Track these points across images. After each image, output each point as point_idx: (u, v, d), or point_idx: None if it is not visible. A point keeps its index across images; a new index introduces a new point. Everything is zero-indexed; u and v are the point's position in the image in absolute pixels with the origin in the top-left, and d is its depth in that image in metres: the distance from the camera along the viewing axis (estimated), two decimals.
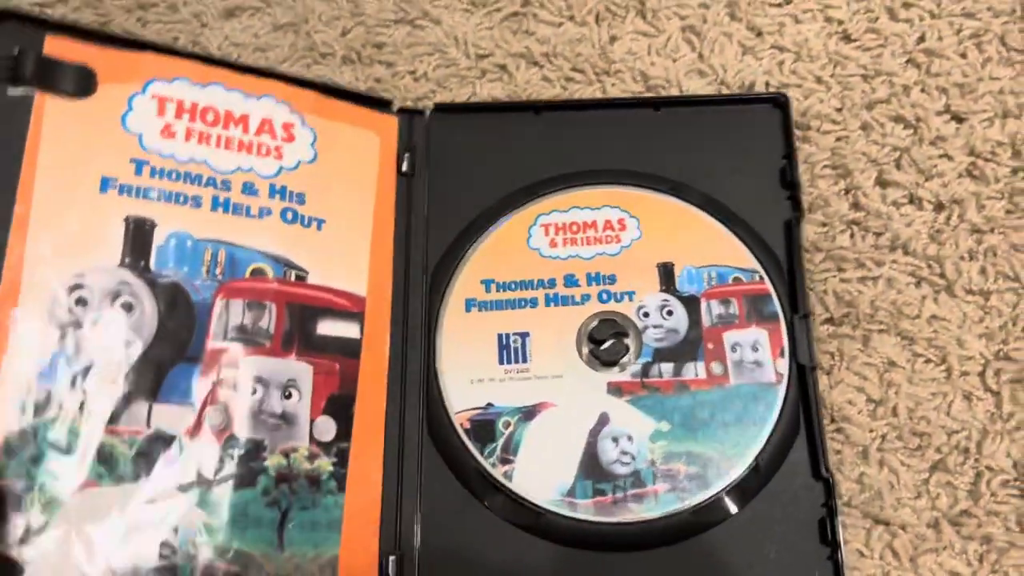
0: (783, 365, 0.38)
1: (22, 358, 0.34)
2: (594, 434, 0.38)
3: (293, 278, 0.38)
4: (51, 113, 0.36)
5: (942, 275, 0.42)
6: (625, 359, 0.39)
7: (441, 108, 0.44)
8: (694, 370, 0.39)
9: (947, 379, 0.40)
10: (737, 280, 0.40)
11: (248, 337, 0.37)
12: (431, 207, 0.42)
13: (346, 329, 0.38)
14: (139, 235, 0.36)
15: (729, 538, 0.37)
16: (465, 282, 0.41)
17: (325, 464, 0.37)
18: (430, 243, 0.41)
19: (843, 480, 0.39)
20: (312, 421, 0.37)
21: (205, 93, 0.39)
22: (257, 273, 0.38)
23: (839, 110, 0.45)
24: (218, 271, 0.37)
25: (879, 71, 0.45)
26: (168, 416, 0.35)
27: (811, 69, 0.46)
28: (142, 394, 0.35)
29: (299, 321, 0.38)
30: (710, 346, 0.39)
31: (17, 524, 0.32)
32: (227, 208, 0.38)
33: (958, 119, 0.44)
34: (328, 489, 0.37)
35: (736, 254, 0.40)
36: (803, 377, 0.38)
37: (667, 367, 0.39)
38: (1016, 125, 0.44)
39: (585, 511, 0.37)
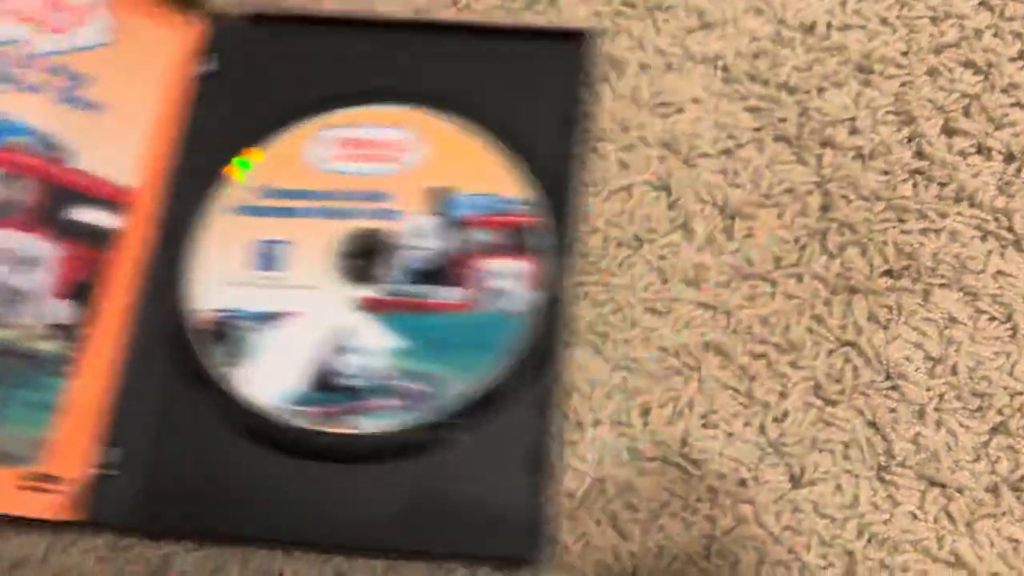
0: (533, 296, 0.38)
1: None
2: (332, 346, 0.38)
3: (56, 157, 0.39)
4: None
5: (1010, 229, 0.39)
6: (380, 276, 0.39)
7: (249, 16, 0.44)
8: (446, 293, 0.39)
9: (1011, 338, 0.38)
10: (507, 210, 0.40)
11: None
12: (222, 112, 0.42)
13: (103, 218, 0.39)
14: None
15: (454, 460, 0.36)
16: (241, 187, 0.41)
17: (57, 347, 0.37)
18: (216, 147, 0.41)
19: (897, 440, 0.37)
20: (49, 302, 0.37)
21: None
22: (17, 145, 0.38)
23: (904, 54, 0.43)
24: None
25: (949, 13, 0.43)
26: None
27: (876, 10, 0.43)
28: None
29: (54, 201, 0.38)
30: (467, 271, 0.39)
31: None
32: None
33: None
34: (53, 371, 0.37)
35: (512, 184, 0.40)
36: (551, 310, 0.38)
37: (421, 288, 0.39)
38: None
39: (309, 419, 0.37)
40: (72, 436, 0.37)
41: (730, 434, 0.37)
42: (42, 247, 0.37)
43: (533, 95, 0.42)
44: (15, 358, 0.37)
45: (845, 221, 0.40)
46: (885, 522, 0.36)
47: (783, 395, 0.38)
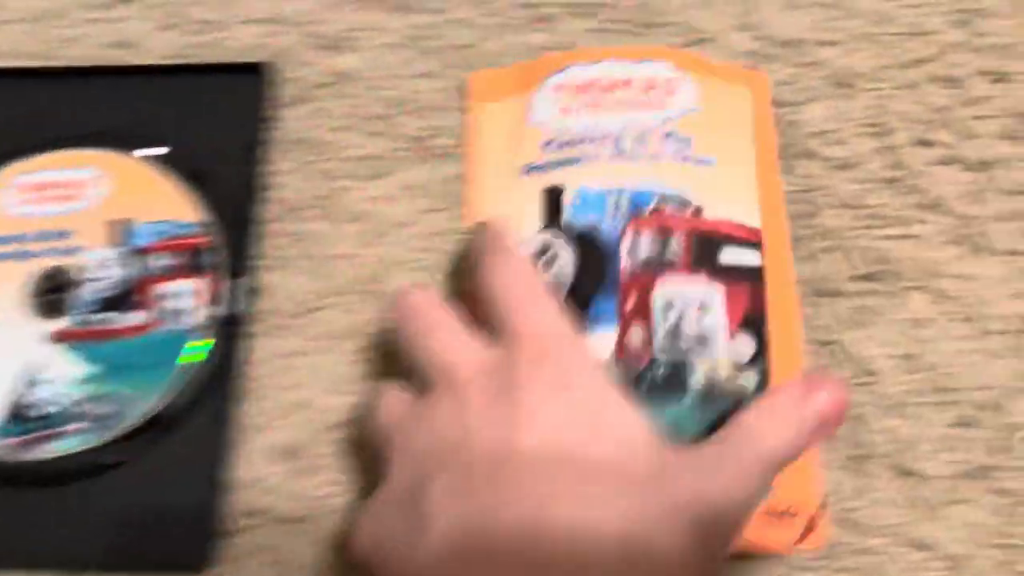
0: (209, 314, 0.42)
1: None
2: (24, 380, 0.41)
3: (690, 212, 0.41)
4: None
5: (976, 235, 0.42)
6: (69, 309, 0.42)
7: None
8: (128, 318, 0.42)
9: (977, 337, 0.41)
10: (184, 235, 0.43)
11: (658, 265, 0.40)
12: None
13: (748, 257, 0.40)
14: (553, 201, 0.41)
15: (136, 476, 0.40)
16: None
17: (748, 383, 0.38)
18: None
19: (868, 432, 0.40)
20: (729, 340, 0.39)
21: (596, 69, 0.44)
22: (657, 210, 0.41)
23: (881, 68, 0.45)
24: (621, 214, 0.40)
25: (923, 29, 0.45)
26: (594, 342, 0.39)
27: (854, 26, 0.46)
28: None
29: (702, 249, 0.40)
30: (147, 296, 0.42)
31: None
32: (624, 157, 0.42)
33: (1000, 80, 0.45)
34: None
35: (188, 211, 0.44)
36: (227, 328, 0.42)
37: (106, 316, 0.42)
38: None
39: (8, 450, 0.40)
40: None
41: None
42: (709, 289, 0.39)
43: (213, 125, 0.45)
44: (715, 400, 0.38)
45: (824, 228, 0.43)
46: (859, 509, 0.39)
47: None
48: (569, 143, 0.43)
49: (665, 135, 0.42)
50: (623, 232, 0.40)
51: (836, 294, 0.42)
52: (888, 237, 0.43)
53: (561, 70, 0.44)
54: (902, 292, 0.42)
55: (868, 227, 0.43)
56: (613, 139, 0.42)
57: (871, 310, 0.42)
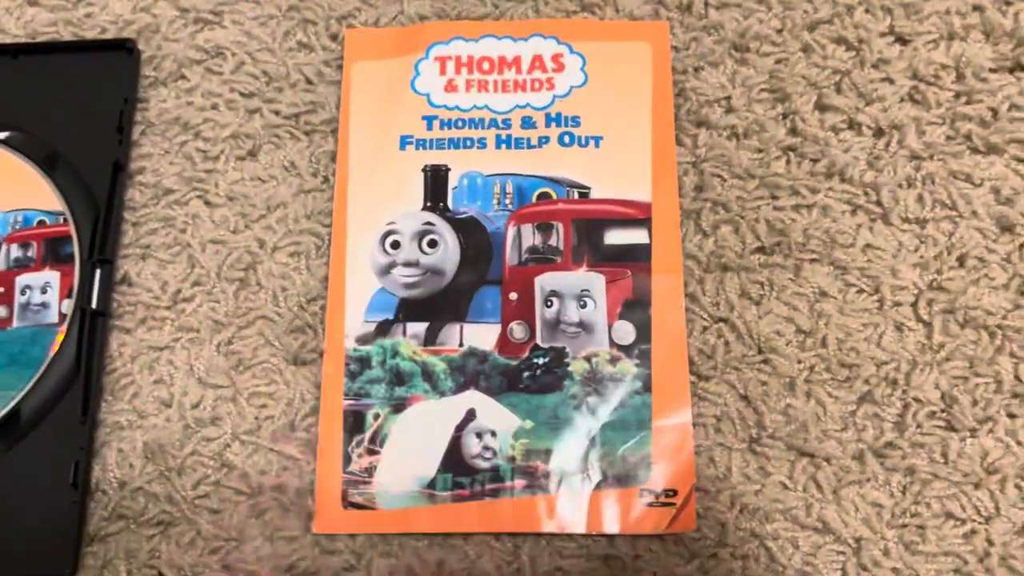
0: (68, 307, 0.39)
1: (355, 296, 0.39)
2: None
3: (576, 195, 0.40)
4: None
5: (878, 203, 0.41)
6: None
7: None
8: None
9: (879, 310, 0.39)
10: (41, 223, 0.41)
11: (540, 256, 0.39)
12: None
13: (634, 236, 0.40)
14: (436, 180, 0.41)
15: None
16: None
17: (628, 366, 0.38)
18: None
19: (768, 412, 0.38)
20: (610, 327, 0.38)
21: (479, 46, 0.42)
22: (543, 197, 0.40)
23: (779, 31, 0.43)
24: (507, 201, 0.40)
25: None
26: (478, 334, 0.39)
27: None
28: (454, 317, 0.39)
29: (586, 235, 0.40)
30: (0, 290, 0.40)
31: (364, 437, 0.38)
32: (509, 144, 0.41)
33: (902, 41, 0.43)
34: (634, 390, 0.38)
35: (47, 198, 0.41)
36: (90, 321, 0.39)
37: None
38: (961, 47, 0.42)
39: None
40: (665, 444, 0.38)
41: None
42: (589, 277, 0.39)
43: (73, 106, 0.43)
44: (596, 386, 0.38)
45: (718, 200, 0.41)
46: (756, 492, 0.37)
47: None
48: (454, 123, 0.41)
49: (552, 118, 0.41)
50: (507, 224, 0.40)
51: (729, 268, 0.40)
52: (786, 208, 0.41)
53: (445, 41, 0.43)
54: (801, 265, 0.40)
55: (765, 198, 0.41)
56: (501, 123, 0.41)
57: (768, 284, 0.40)
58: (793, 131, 0.42)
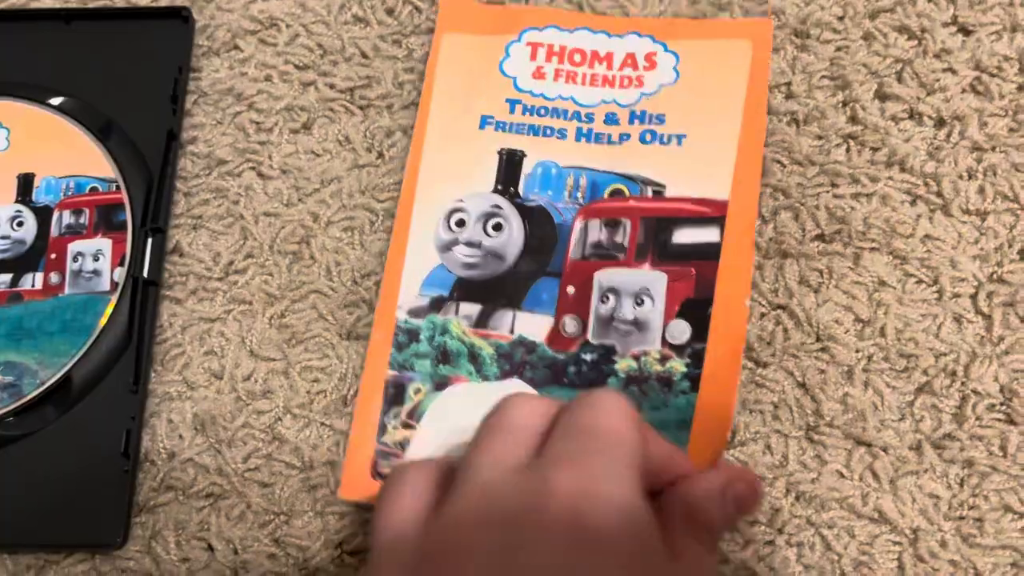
0: (119, 275, 0.39)
1: (413, 268, 0.39)
2: None
3: (650, 193, 0.39)
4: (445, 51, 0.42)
5: (939, 193, 0.40)
6: None
7: None
8: (32, 280, 0.39)
9: (938, 300, 0.39)
10: (94, 190, 0.40)
11: (604, 252, 0.39)
12: None
13: (705, 234, 0.39)
14: (510, 165, 0.40)
15: (42, 446, 0.37)
16: None
17: (678, 366, 0.37)
18: None
19: (826, 400, 0.38)
20: (665, 325, 0.38)
21: (573, 37, 0.42)
22: (615, 194, 0.40)
23: (840, 18, 0.43)
24: (579, 195, 0.40)
25: None
26: (530, 323, 0.38)
27: None
28: (508, 303, 0.38)
29: (654, 233, 0.39)
30: (53, 256, 0.40)
31: (403, 410, 0.38)
32: (589, 138, 0.41)
33: (965, 31, 0.42)
34: (680, 389, 0.37)
35: (100, 165, 0.41)
36: (136, 290, 0.39)
37: (5, 278, 0.39)
38: None
39: None
40: (703, 448, 0.37)
41: None
42: (651, 276, 0.39)
43: (127, 75, 0.42)
44: (641, 384, 0.37)
45: (779, 186, 0.40)
46: (812, 480, 0.37)
47: None
48: (537, 110, 0.41)
49: (636, 115, 0.41)
50: (576, 217, 0.40)
51: (789, 255, 0.39)
52: (846, 196, 0.40)
53: (540, 27, 0.42)
54: (860, 253, 0.39)
55: (825, 185, 0.40)
56: (584, 116, 0.41)
57: (827, 272, 0.39)
58: (853, 119, 0.41)
